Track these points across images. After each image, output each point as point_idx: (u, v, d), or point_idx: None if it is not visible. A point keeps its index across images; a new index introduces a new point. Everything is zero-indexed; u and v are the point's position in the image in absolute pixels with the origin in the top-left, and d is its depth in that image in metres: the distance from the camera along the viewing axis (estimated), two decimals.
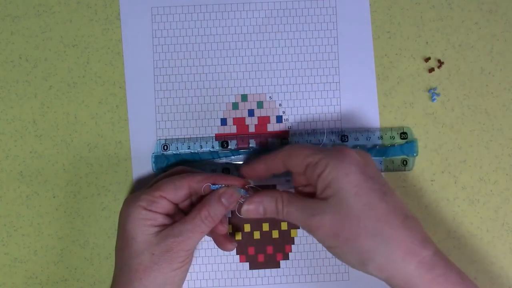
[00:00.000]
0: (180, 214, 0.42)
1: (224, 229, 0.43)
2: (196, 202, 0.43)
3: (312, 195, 0.39)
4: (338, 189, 0.36)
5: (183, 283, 0.41)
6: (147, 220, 0.39)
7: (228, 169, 0.46)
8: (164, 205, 0.40)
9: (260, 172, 0.42)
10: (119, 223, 0.41)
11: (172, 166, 0.46)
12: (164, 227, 0.40)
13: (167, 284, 0.39)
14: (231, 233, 0.46)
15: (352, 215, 0.36)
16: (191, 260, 0.41)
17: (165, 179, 0.41)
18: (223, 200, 0.40)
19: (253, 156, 0.46)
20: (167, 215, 0.40)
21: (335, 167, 0.36)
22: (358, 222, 0.35)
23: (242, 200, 0.40)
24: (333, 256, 0.46)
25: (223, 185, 0.41)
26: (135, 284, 0.38)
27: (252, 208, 0.40)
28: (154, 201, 0.40)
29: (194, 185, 0.41)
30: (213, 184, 0.41)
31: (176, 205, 0.41)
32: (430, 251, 0.36)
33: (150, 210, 0.39)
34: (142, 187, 0.46)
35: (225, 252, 0.45)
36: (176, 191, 0.40)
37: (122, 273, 0.39)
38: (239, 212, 0.40)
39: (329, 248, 0.38)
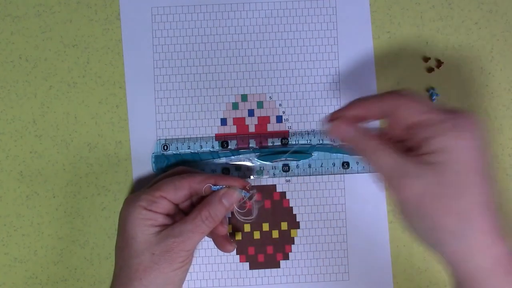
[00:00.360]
0: (180, 214, 0.42)
1: (224, 229, 0.43)
2: (196, 202, 0.43)
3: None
4: (452, 160, 0.32)
5: (183, 283, 0.41)
6: (147, 220, 0.39)
7: (228, 169, 0.46)
8: (164, 205, 0.40)
9: (357, 112, 0.37)
10: (119, 223, 0.41)
11: (172, 166, 0.46)
12: (164, 227, 0.40)
13: (167, 284, 0.39)
14: (231, 233, 0.46)
15: (456, 185, 0.32)
16: (191, 260, 0.41)
17: (165, 179, 0.41)
18: (223, 200, 0.40)
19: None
20: (167, 215, 0.40)
21: (456, 136, 0.32)
22: (457, 200, 0.32)
23: (247, 197, 0.41)
24: (333, 256, 0.46)
25: (224, 186, 0.41)
26: (135, 283, 0.38)
27: (342, 127, 0.36)
28: (155, 201, 0.40)
29: (195, 185, 0.41)
30: (214, 185, 0.41)
31: (177, 205, 0.41)
32: (506, 248, 0.32)
33: (150, 210, 0.39)
34: (142, 187, 0.46)
35: (222, 251, 0.45)
36: (177, 192, 0.40)
37: (122, 272, 0.39)
38: (238, 212, 0.40)
39: (404, 216, 0.34)
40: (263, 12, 0.47)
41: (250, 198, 0.41)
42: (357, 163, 0.46)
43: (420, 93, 0.47)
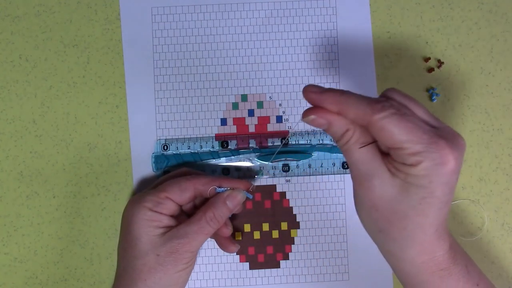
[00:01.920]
0: (183, 215, 0.42)
1: (228, 231, 0.43)
2: (199, 204, 0.43)
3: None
4: (428, 189, 0.32)
5: (186, 284, 0.41)
6: (152, 221, 0.39)
7: (228, 169, 0.46)
8: (169, 206, 0.40)
9: (327, 105, 0.34)
10: (123, 223, 0.41)
11: (174, 167, 0.46)
12: (168, 228, 0.39)
13: (171, 285, 0.39)
14: (231, 234, 0.46)
15: (415, 213, 0.32)
16: (194, 262, 0.41)
17: (170, 180, 0.41)
18: (228, 202, 0.40)
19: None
20: (172, 216, 0.40)
21: (435, 173, 0.31)
22: (412, 221, 0.33)
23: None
24: (333, 256, 0.46)
25: (228, 188, 0.41)
26: (139, 284, 0.38)
27: (316, 119, 0.34)
28: (160, 202, 0.40)
29: (200, 187, 0.41)
30: (219, 187, 0.41)
31: (180, 206, 0.41)
32: (443, 250, 0.34)
33: (155, 211, 0.39)
34: (142, 187, 0.46)
35: (225, 252, 0.45)
36: (182, 193, 0.40)
37: (126, 273, 0.39)
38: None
39: (358, 209, 0.36)
40: (263, 12, 0.47)
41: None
42: None
43: (420, 93, 0.47)
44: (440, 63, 0.47)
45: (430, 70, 0.47)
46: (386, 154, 0.34)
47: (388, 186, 0.33)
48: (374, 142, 0.33)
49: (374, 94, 0.47)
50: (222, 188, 0.41)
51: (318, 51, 0.47)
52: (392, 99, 0.33)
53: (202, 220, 0.40)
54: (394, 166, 0.33)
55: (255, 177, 0.46)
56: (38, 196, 0.46)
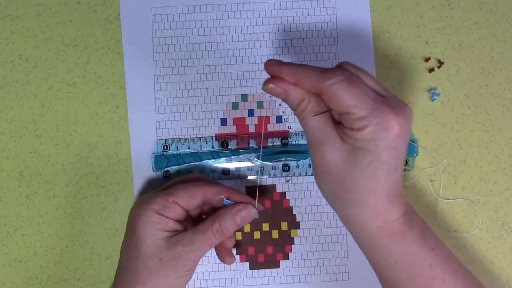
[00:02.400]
0: (188, 220, 0.42)
1: (231, 243, 0.43)
2: (207, 210, 0.43)
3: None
4: (374, 153, 0.34)
5: None
6: (158, 224, 0.39)
7: (228, 170, 0.46)
8: (176, 211, 0.40)
9: (284, 75, 0.36)
10: (129, 223, 0.41)
11: (175, 167, 0.46)
12: (173, 232, 0.39)
13: None
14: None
15: (364, 176, 0.34)
16: (195, 269, 0.41)
17: (179, 185, 0.41)
18: (237, 217, 0.40)
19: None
20: (178, 221, 0.40)
21: (379, 137, 0.33)
22: (363, 184, 0.34)
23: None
24: (333, 257, 0.46)
25: (234, 202, 0.41)
26: (138, 286, 0.38)
27: (274, 88, 0.36)
28: (167, 206, 0.39)
29: (209, 195, 0.41)
30: (227, 199, 0.41)
31: (187, 212, 0.41)
32: (395, 216, 0.36)
33: (162, 215, 0.39)
34: (142, 187, 0.46)
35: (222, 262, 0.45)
36: (190, 199, 0.40)
37: (127, 273, 0.39)
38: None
39: (316, 177, 0.37)
40: (263, 12, 0.47)
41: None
42: None
43: (420, 93, 0.47)
44: (440, 63, 0.47)
45: (430, 70, 0.47)
46: (338, 123, 0.36)
47: (338, 151, 0.35)
48: (328, 111, 0.36)
49: None
50: (230, 201, 0.41)
51: (318, 51, 0.47)
52: (344, 68, 0.36)
53: (208, 230, 0.39)
54: (344, 133, 0.35)
55: (249, 177, 0.46)
56: (38, 196, 0.46)
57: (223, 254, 0.43)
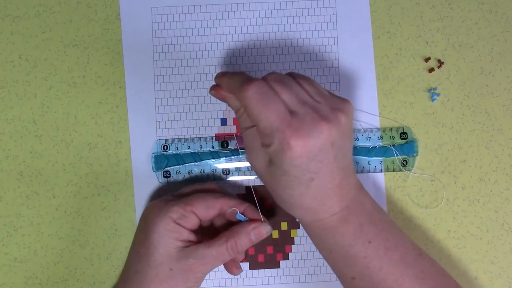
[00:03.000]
0: (198, 230, 0.42)
1: (241, 257, 0.44)
2: (217, 222, 0.43)
3: None
4: (279, 167, 0.36)
5: None
6: (173, 233, 0.39)
7: (228, 170, 0.46)
8: (193, 221, 0.40)
9: (223, 86, 0.40)
10: (143, 226, 0.40)
11: (172, 165, 0.46)
12: (187, 242, 0.39)
13: None
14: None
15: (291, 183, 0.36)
16: (203, 280, 0.41)
17: (198, 195, 0.41)
18: (252, 235, 0.40)
19: None
20: (192, 230, 0.40)
21: (281, 156, 0.35)
22: (283, 189, 0.37)
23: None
24: None
25: (247, 219, 0.41)
26: None
27: (215, 94, 0.41)
28: (185, 216, 0.39)
29: (226, 208, 0.41)
30: (242, 213, 0.41)
31: (201, 221, 0.41)
32: (336, 209, 0.38)
33: (178, 224, 0.39)
34: (142, 187, 0.46)
35: (228, 273, 0.45)
36: (208, 210, 0.40)
37: (136, 278, 0.39)
38: None
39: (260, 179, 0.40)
40: (263, 12, 0.47)
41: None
42: (357, 163, 0.46)
43: (420, 93, 0.47)
44: (440, 63, 0.47)
45: (430, 70, 0.47)
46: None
47: (262, 160, 0.37)
48: (253, 126, 0.38)
49: (374, 94, 0.47)
50: (243, 216, 0.41)
51: (318, 51, 0.47)
52: (265, 80, 0.37)
53: (222, 247, 0.39)
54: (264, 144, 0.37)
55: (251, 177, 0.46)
56: (38, 196, 0.46)
57: (231, 267, 0.43)
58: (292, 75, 0.38)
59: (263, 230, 0.41)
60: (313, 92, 0.37)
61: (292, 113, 0.35)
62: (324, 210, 0.37)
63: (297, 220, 0.46)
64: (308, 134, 0.35)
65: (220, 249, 0.39)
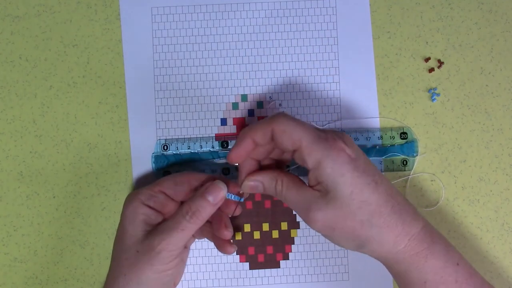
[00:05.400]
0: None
1: (229, 233, 0.41)
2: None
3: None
4: (334, 189, 0.36)
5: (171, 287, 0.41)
6: (140, 215, 0.39)
7: (228, 169, 0.46)
8: (162, 201, 0.40)
9: (248, 150, 0.38)
10: (120, 216, 0.41)
11: (172, 164, 0.46)
12: (156, 226, 0.39)
13: (148, 285, 0.38)
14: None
15: (348, 212, 0.36)
16: (178, 267, 0.40)
17: (166, 176, 0.42)
18: (208, 196, 0.38)
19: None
20: (162, 213, 0.40)
21: (329, 167, 0.35)
22: (354, 217, 0.36)
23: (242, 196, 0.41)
24: (333, 257, 0.46)
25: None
26: (119, 279, 0.38)
27: (253, 184, 0.39)
28: (153, 196, 0.40)
29: (195, 183, 0.41)
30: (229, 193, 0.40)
31: (176, 203, 0.41)
32: (417, 228, 0.37)
33: (146, 205, 0.39)
34: (141, 187, 0.46)
35: (223, 253, 0.45)
36: (175, 186, 0.40)
37: (112, 266, 0.40)
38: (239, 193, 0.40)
39: (325, 236, 0.39)
40: (263, 12, 0.47)
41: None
42: None
43: (420, 93, 0.47)
44: (440, 63, 0.47)
45: (430, 70, 0.47)
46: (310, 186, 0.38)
47: (324, 206, 0.36)
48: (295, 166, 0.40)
49: (374, 94, 0.47)
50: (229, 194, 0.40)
51: (318, 51, 0.47)
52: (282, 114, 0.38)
53: (178, 214, 0.38)
54: (312, 188, 0.37)
55: None
56: (38, 196, 0.46)
57: (222, 245, 0.42)
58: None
59: (216, 188, 0.39)
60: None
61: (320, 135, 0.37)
62: (412, 224, 0.37)
63: (298, 220, 0.46)
64: (344, 137, 0.37)
65: (175, 218, 0.38)
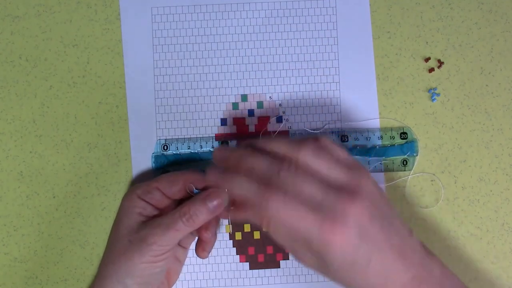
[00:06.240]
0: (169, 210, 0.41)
1: (208, 237, 0.41)
2: None
3: None
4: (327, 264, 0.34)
5: (158, 282, 0.40)
6: (136, 208, 0.40)
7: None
8: (157, 197, 0.40)
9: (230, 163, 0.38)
10: (117, 210, 0.42)
11: (171, 163, 0.46)
12: (151, 218, 0.40)
13: (137, 276, 0.38)
14: (231, 233, 0.46)
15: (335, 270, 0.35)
16: (166, 260, 0.39)
17: (164, 174, 0.42)
18: (207, 202, 0.38)
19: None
20: (157, 208, 0.40)
21: (328, 261, 0.34)
22: (367, 267, 0.34)
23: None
24: None
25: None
26: (109, 266, 0.39)
27: (239, 218, 0.38)
28: (149, 191, 0.40)
29: (189, 182, 0.41)
30: (196, 189, 0.40)
31: (173, 201, 0.41)
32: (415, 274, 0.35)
33: (142, 199, 0.40)
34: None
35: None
36: (171, 184, 0.41)
37: (105, 253, 0.40)
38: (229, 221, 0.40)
39: (334, 280, 0.37)
40: (263, 12, 0.47)
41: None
42: None
43: (420, 93, 0.47)
44: (440, 63, 0.47)
45: (430, 70, 0.47)
46: None
47: (309, 257, 0.35)
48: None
49: (374, 94, 0.47)
50: (197, 190, 0.40)
51: (318, 51, 0.47)
52: (284, 177, 0.35)
53: (175, 214, 0.39)
54: None
55: None
56: (38, 196, 0.46)
57: (198, 248, 0.41)
58: (294, 163, 0.36)
59: (218, 196, 0.38)
60: (324, 169, 0.35)
61: (317, 206, 0.34)
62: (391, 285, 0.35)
63: None
64: (342, 221, 0.33)
65: (172, 216, 0.38)
